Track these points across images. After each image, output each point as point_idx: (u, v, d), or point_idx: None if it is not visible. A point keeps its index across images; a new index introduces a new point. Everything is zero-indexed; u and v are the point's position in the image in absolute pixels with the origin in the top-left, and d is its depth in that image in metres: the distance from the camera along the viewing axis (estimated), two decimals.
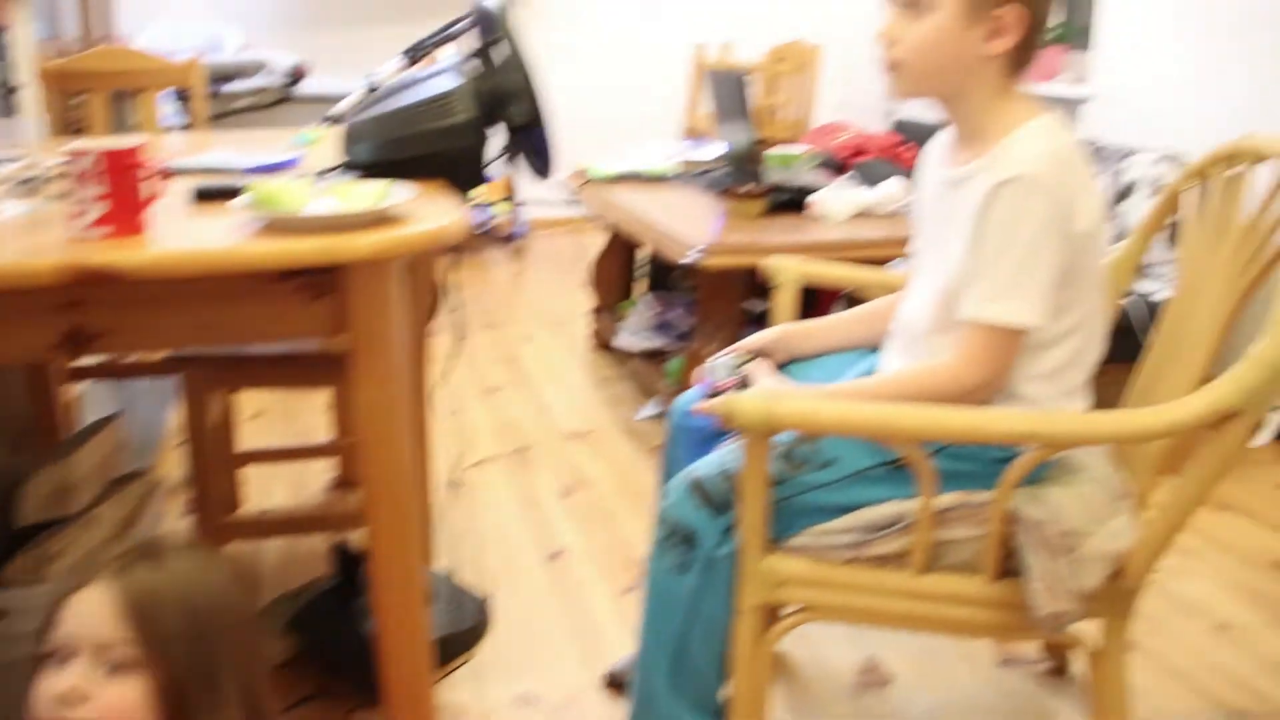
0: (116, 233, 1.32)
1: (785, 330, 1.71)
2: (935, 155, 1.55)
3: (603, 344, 3.83)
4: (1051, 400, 1.42)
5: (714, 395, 1.52)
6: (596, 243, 3.84)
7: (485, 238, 5.53)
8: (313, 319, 1.39)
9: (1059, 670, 1.97)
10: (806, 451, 1.41)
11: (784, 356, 1.68)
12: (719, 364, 1.58)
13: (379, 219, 1.33)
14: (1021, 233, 1.32)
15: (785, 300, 1.87)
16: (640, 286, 3.85)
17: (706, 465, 1.43)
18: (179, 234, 1.37)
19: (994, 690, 1.92)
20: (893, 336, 1.59)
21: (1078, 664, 1.96)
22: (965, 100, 1.43)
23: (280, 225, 1.32)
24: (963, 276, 1.38)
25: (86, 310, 1.33)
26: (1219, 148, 1.54)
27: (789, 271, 1.86)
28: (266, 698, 1.11)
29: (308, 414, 3.25)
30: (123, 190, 1.32)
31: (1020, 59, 1.40)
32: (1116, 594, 1.41)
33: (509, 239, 5.52)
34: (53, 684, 1.01)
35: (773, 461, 1.37)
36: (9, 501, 1.80)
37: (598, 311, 3.84)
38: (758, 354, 1.65)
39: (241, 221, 1.38)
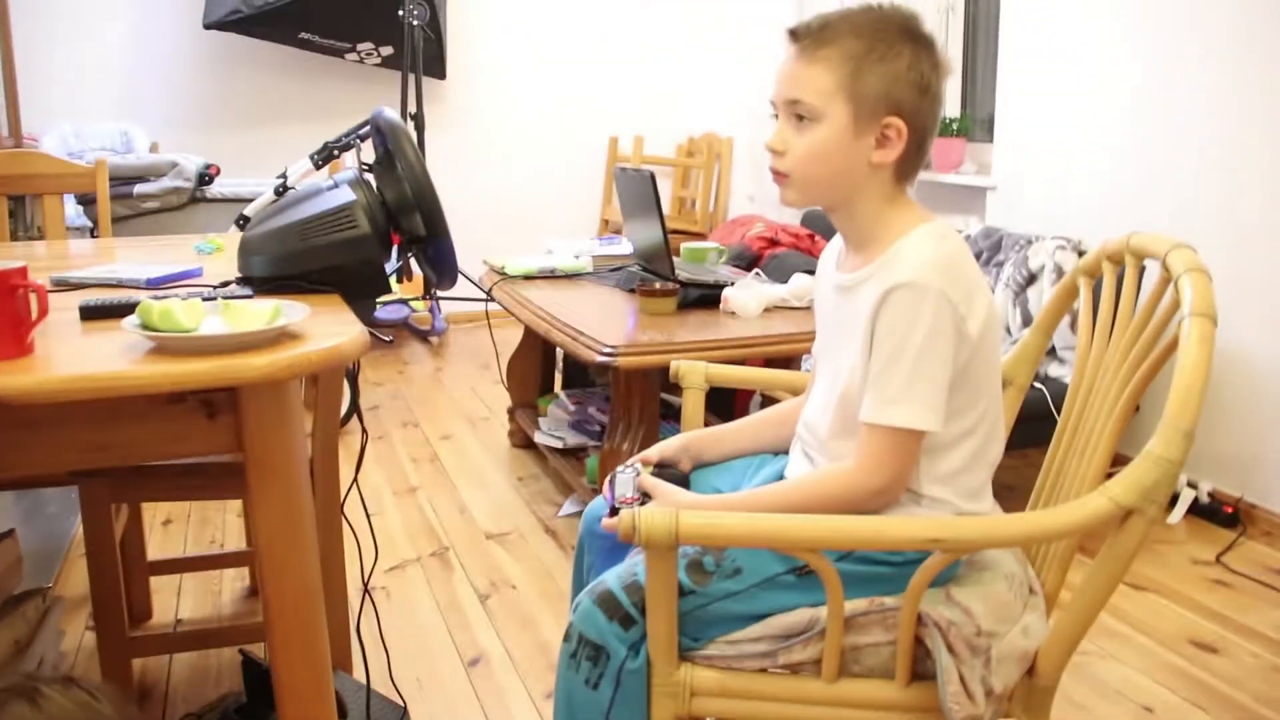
0: (1, 355, 1.28)
1: (691, 437, 1.70)
2: (829, 260, 1.57)
3: (521, 442, 3.80)
4: (954, 502, 1.42)
5: (617, 508, 1.50)
6: (513, 338, 3.83)
7: (403, 333, 5.50)
8: (209, 437, 1.36)
9: None
10: (713, 560, 1.39)
11: (690, 463, 1.67)
12: (622, 476, 1.56)
13: (274, 339, 1.31)
14: (913, 338, 1.33)
15: (694, 402, 1.86)
16: (558, 382, 3.84)
17: (614, 577, 1.41)
18: (67, 355, 1.33)
19: None
20: (797, 440, 1.59)
21: None
22: (854, 208, 1.44)
23: (171, 347, 1.29)
24: (859, 381, 1.39)
25: None
26: (1104, 245, 1.57)
27: (696, 374, 1.86)
28: None
29: (220, 519, 3.18)
30: (6, 313, 1.29)
31: (907, 167, 1.42)
32: (1032, 692, 1.41)
33: (427, 334, 5.49)
34: None
35: (680, 571, 1.35)
36: None
37: (515, 409, 3.81)
38: (661, 463, 1.64)
39: (132, 342, 1.35)
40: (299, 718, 1.51)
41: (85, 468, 1.40)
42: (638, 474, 1.55)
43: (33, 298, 1.32)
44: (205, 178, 4.11)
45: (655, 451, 1.65)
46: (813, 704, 1.38)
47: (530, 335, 3.76)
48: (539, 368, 3.78)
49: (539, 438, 3.42)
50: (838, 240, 1.54)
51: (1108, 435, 1.45)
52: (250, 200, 3.96)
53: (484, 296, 3.55)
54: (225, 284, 1.67)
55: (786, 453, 1.64)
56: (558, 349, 3.80)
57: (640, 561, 1.39)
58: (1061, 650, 1.39)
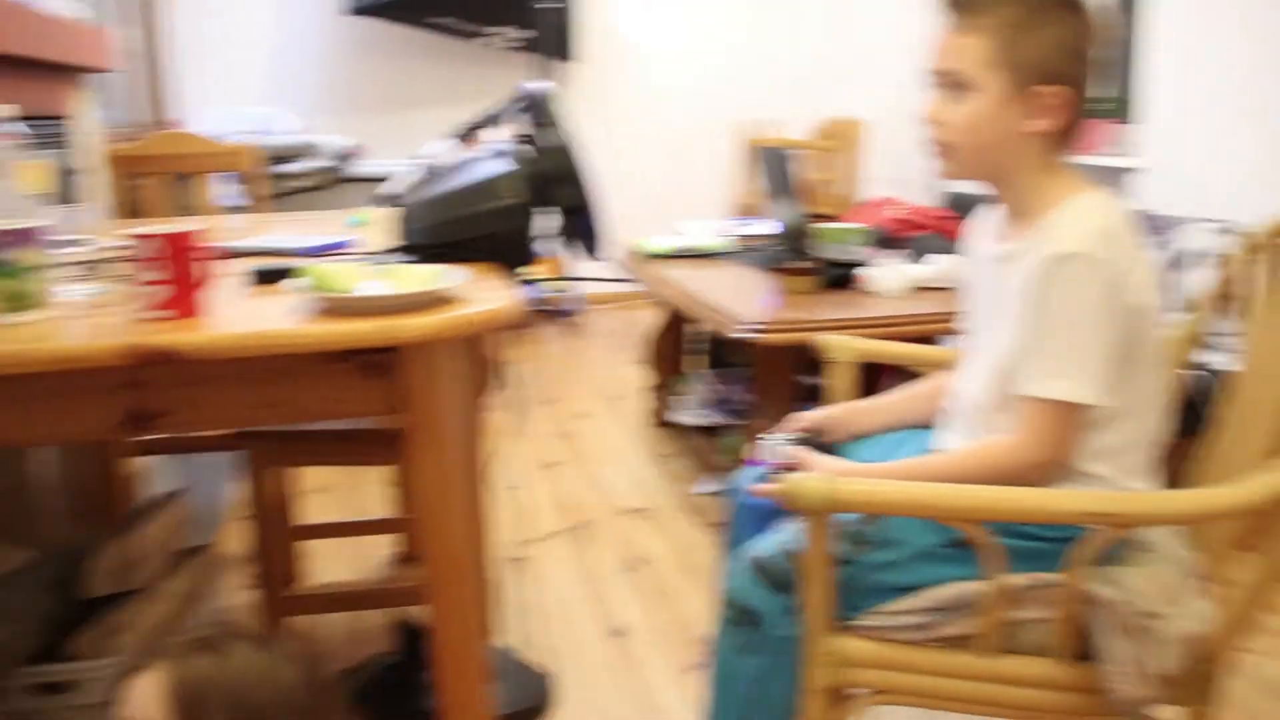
0: (177, 315, 1.33)
1: (840, 408, 1.69)
2: (982, 231, 1.54)
3: (659, 420, 3.82)
4: (1116, 479, 1.38)
5: (769, 475, 1.50)
6: (651, 318, 3.85)
7: (540, 315, 5.57)
8: (370, 398, 1.39)
9: None
10: (870, 531, 1.38)
11: (838, 435, 1.66)
12: (771, 444, 1.56)
13: (433, 300, 1.33)
14: (1076, 309, 1.30)
15: (840, 377, 1.84)
16: (697, 362, 3.84)
17: (768, 545, 1.41)
18: (237, 315, 1.38)
19: None
20: (949, 415, 1.57)
21: None
22: (1012, 179, 1.42)
23: (336, 307, 1.32)
24: (1018, 353, 1.36)
25: (147, 390, 1.34)
26: (1273, 221, 1.51)
27: (843, 349, 1.84)
28: None
29: (370, 489, 3.26)
30: (182, 273, 1.34)
31: (1065, 135, 1.39)
32: (1198, 678, 1.36)
33: (564, 315, 5.54)
34: None
35: (835, 541, 1.34)
36: (77, 575, 1.81)
37: (654, 388, 3.82)
38: (811, 432, 1.63)
39: (297, 303, 1.38)
40: (454, 675, 1.55)
41: (252, 426, 1.45)
42: (787, 442, 1.54)
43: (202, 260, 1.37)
44: (347, 158, 4.22)
45: (804, 420, 1.63)
46: (970, 679, 1.35)
47: (668, 315, 3.77)
48: (677, 347, 3.78)
49: (677, 416, 3.43)
50: (990, 212, 1.51)
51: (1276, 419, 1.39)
52: (388, 179, 4.03)
53: (621, 278, 3.58)
54: (384, 252, 1.70)
55: (930, 429, 1.61)
56: (692, 332, 3.81)
57: (795, 530, 1.38)
58: (1230, 636, 1.34)
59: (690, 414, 3.38)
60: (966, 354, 1.56)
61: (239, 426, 1.67)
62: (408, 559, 2.76)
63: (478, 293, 1.39)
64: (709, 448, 3.23)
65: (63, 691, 1.69)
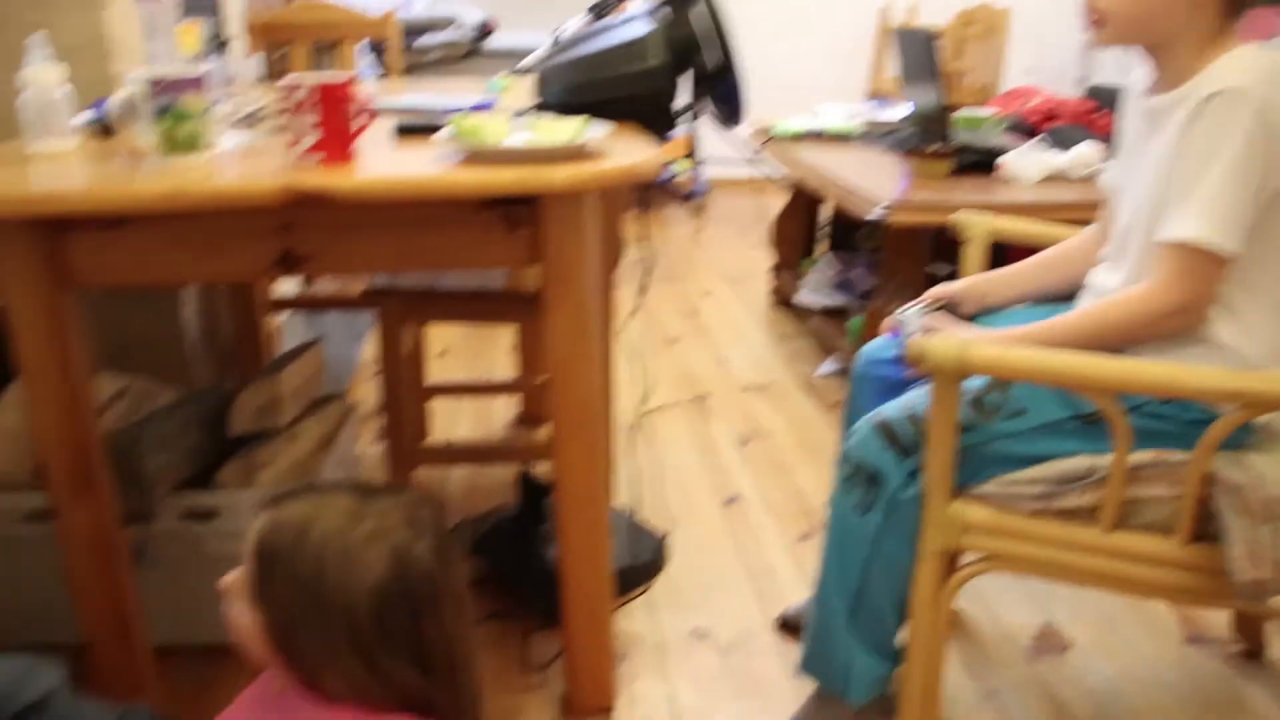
0: (329, 159, 1.38)
1: (974, 280, 1.68)
2: (1138, 89, 1.49)
3: (781, 301, 3.83)
4: (1255, 358, 1.36)
5: (903, 343, 1.51)
6: (775, 203, 3.83)
7: (666, 195, 5.57)
8: (509, 248, 1.44)
9: (1252, 653, 1.88)
10: (996, 399, 1.38)
11: (973, 307, 1.65)
12: (908, 314, 1.56)
13: (576, 153, 1.36)
14: (1223, 149, 1.26)
15: (974, 255, 1.83)
16: (821, 246, 3.83)
17: (894, 407, 1.42)
18: (385, 163, 1.42)
19: (1179, 667, 1.86)
20: (1087, 289, 1.54)
21: (1275, 648, 1.88)
22: (1175, 47, 1.37)
23: (481, 157, 1.36)
24: (1161, 204, 1.33)
25: (297, 234, 1.41)
26: None
27: (979, 226, 1.82)
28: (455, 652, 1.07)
29: (491, 353, 3.35)
30: (335, 120, 1.39)
31: (1234, 3, 1.34)
32: None
33: (689, 197, 5.54)
34: (225, 578, 1.07)
35: (962, 408, 1.35)
36: (223, 413, 1.91)
37: (777, 269, 3.83)
38: (946, 304, 1.63)
39: (443, 153, 1.42)
40: (576, 526, 1.61)
41: (395, 271, 1.50)
42: (923, 312, 1.54)
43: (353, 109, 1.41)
44: (484, 32, 4.23)
45: (939, 292, 1.63)
46: (1086, 552, 1.36)
47: (795, 197, 3.75)
48: (803, 230, 3.77)
49: (801, 297, 3.43)
50: (1145, 73, 1.47)
51: None
52: (525, 54, 4.05)
53: (748, 158, 3.56)
54: (527, 110, 1.73)
55: (1072, 299, 1.59)
56: (821, 212, 3.79)
57: (921, 394, 1.39)
58: None
59: (813, 296, 3.38)
60: (1112, 219, 1.53)
61: (383, 271, 1.74)
62: (527, 420, 2.85)
63: (618, 148, 1.42)
64: (831, 330, 3.23)
65: (208, 518, 1.80)
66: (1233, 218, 1.28)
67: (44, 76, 1.48)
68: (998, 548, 1.40)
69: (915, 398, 1.42)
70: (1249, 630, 1.90)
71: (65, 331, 1.44)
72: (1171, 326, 1.33)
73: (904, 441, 1.39)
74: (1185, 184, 1.30)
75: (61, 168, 1.43)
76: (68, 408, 1.47)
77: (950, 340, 1.26)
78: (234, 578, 1.06)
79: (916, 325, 1.52)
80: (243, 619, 1.06)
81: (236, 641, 1.08)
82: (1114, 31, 1.37)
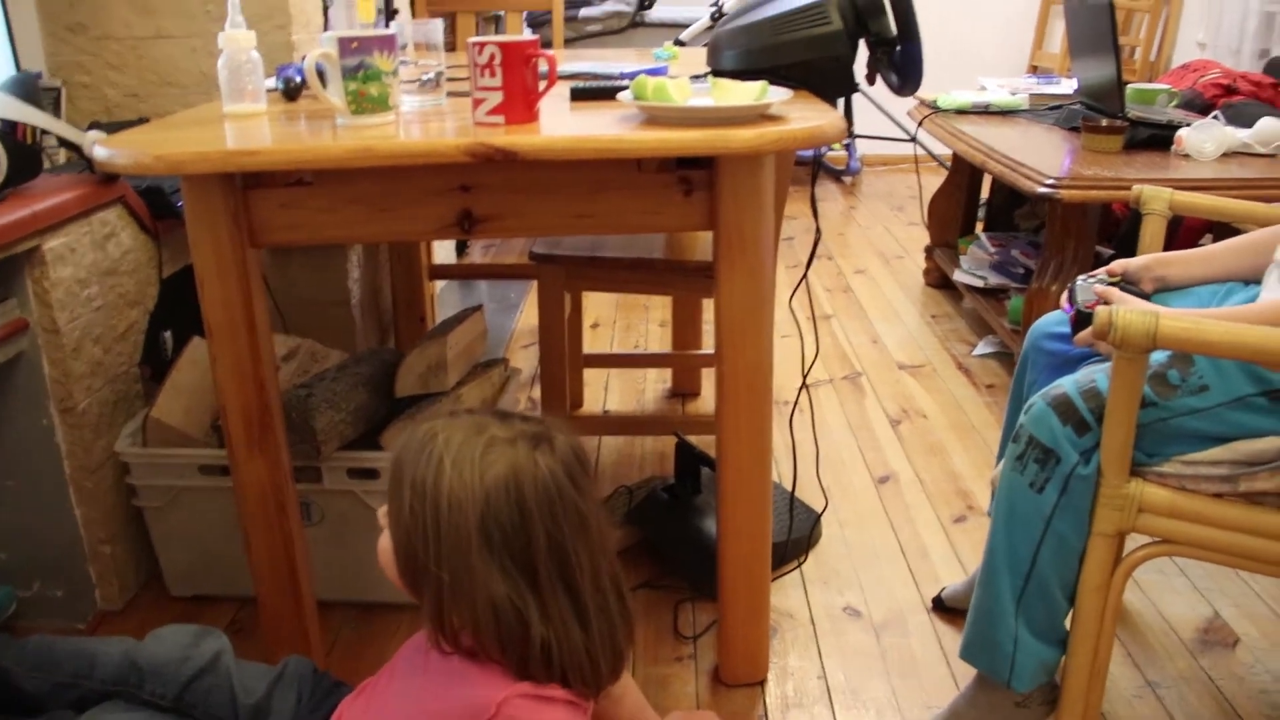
0: (511, 120, 1.40)
1: (1156, 257, 1.62)
2: None
3: (936, 281, 3.77)
4: None
5: (1079, 316, 1.47)
6: (928, 181, 3.76)
7: (820, 172, 5.52)
8: (686, 212, 1.44)
9: None
10: (1179, 375, 1.33)
11: (1152, 284, 1.60)
12: (1083, 285, 1.52)
13: (758, 115, 1.36)
14: None
15: (1153, 230, 1.77)
16: (979, 225, 3.75)
17: (1071, 382, 1.38)
18: (566, 124, 1.44)
19: None
20: (1274, 267, 1.48)
21: None
22: None
23: (662, 118, 1.36)
24: None
25: (477, 195, 1.44)
26: None
27: (1159, 199, 1.76)
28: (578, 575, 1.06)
29: (642, 327, 3.37)
30: (518, 81, 1.41)
31: None
32: None
33: (842, 175, 5.48)
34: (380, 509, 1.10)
35: (1143, 383, 1.31)
36: (389, 376, 1.96)
37: (932, 248, 3.76)
38: (1123, 278, 1.58)
39: (624, 115, 1.43)
40: (737, 497, 1.61)
41: (574, 234, 1.51)
42: (1101, 285, 1.50)
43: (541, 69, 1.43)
44: (645, 3, 4.24)
45: (1118, 266, 1.58)
46: (1271, 538, 1.31)
47: (954, 174, 3.68)
48: (961, 208, 3.70)
49: (958, 276, 3.37)
50: None
51: None
52: (687, 25, 4.06)
53: (905, 137, 3.50)
54: (702, 75, 1.73)
55: (1258, 282, 1.53)
56: (981, 191, 3.71)
57: (1100, 369, 1.36)
58: None
59: (969, 275, 3.32)
60: None
61: (559, 234, 1.74)
62: (678, 394, 2.86)
63: (800, 111, 1.41)
64: (987, 310, 3.16)
65: (373, 477, 1.85)
66: None
67: (239, 40, 1.53)
68: (1175, 531, 1.35)
69: (1094, 372, 1.38)
70: None
71: (249, 290, 1.49)
72: None
73: (1081, 417, 1.35)
74: None
75: (254, 127, 1.48)
76: (249, 365, 1.52)
77: (1141, 312, 1.22)
78: (384, 508, 1.09)
79: (1093, 296, 1.48)
80: (384, 544, 1.09)
81: (385, 574, 1.10)
82: None
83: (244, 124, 1.51)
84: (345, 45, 1.39)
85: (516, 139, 1.31)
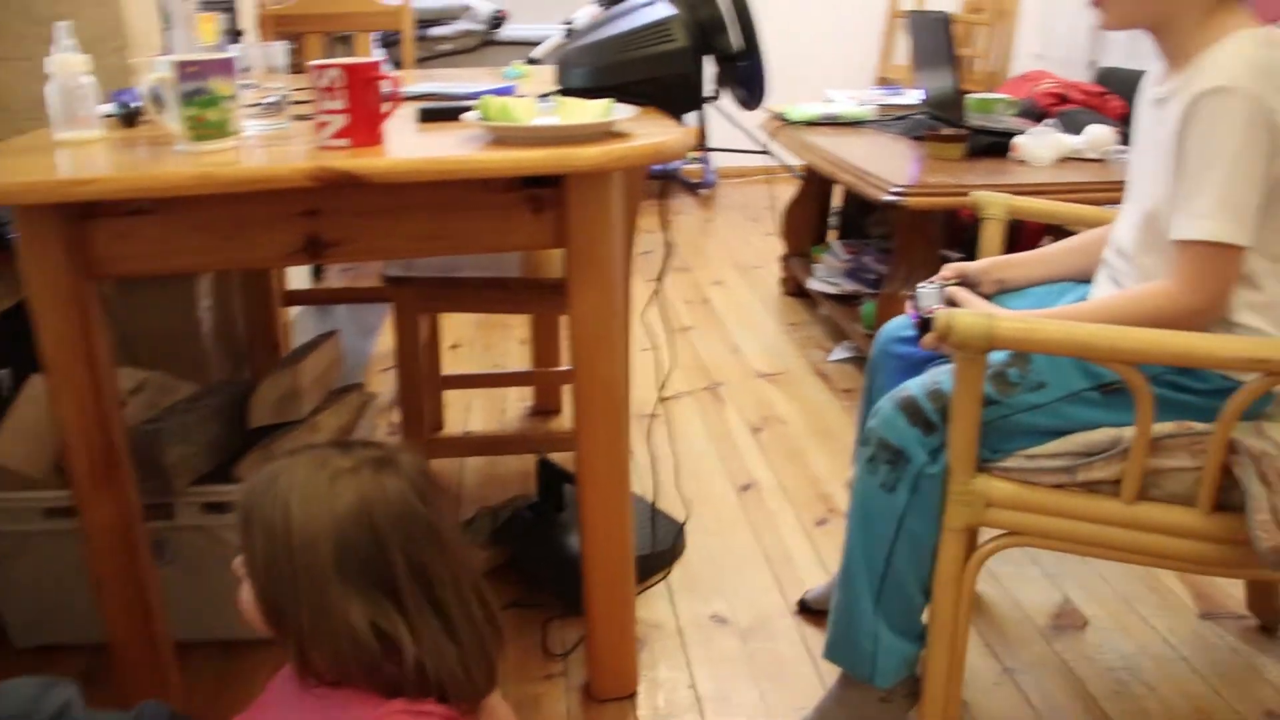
0: (356, 143, 1.39)
1: (993, 261, 1.68)
2: (1149, 77, 1.50)
3: (792, 290, 3.84)
4: (1272, 333, 1.36)
5: (922, 321, 1.51)
6: (782, 192, 3.84)
7: (674, 185, 5.58)
8: (535, 231, 1.45)
9: (1267, 628, 1.90)
10: (1018, 373, 1.39)
11: (991, 287, 1.66)
12: (926, 290, 1.57)
13: (603, 133, 1.37)
14: (1224, 146, 1.27)
15: (992, 234, 1.84)
16: (831, 234, 3.84)
17: (916, 384, 1.43)
18: (413, 146, 1.43)
19: (1194, 643, 1.87)
20: (1104, 266, 1.55)
21: None
22: (1175, 23, 1.37)
23: (509, 138, 1.37)
24: (1168, 196, 1.34)
25: (323, 219, 1.42)
26: None
27: (997, 205, 1.83)
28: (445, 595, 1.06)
29: (502, 345, 3.36)
30: (363, 103, 1.39)
31: None
32: None
33: (697, 187, 5.55)
34: (235, 560, 1.08)
35: (984, 383, 1.36)
36: (242, 406, 1.92)
37: (787, 257, 3.84)
38: (962, 282, 1.64)
39: (470, 135, 1.43)
40: (599, 513, 1.62)
41: (420, 256, 1.51)
42: (942, 289, 1.55)
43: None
44: (496, 21, 4.24)
45: (957, 269, 1.64)
46: (1109, 524, 1.37)
47: (806, 185, 3.77)
48: (814, 218, 3.78)
49: (813, 284, 3.44)
50: (1156, 62, 1.48)
51: None
52: (538, 43, 4.07)
53: (757, 149, 3.56)
54: (550, 94, 1.74)
55: (1087, 282, 1.60)
56: (833, 200, 3.80)
57: (943, 370, 1.40)
58: None
59: (824, 283, 3.39)
60: (1124, 203, 1.54)
61: (408, 257, 1.74)
62: (541, 412, 2.86)
63: (644, 128, 1.43)
64: (843, 316, 3.24)
65: (226, 511, 1.80)
66: (1244, 210, 1.29)
67: (70, 65, 1.49)
68: (1021, 523, 1.41)
69: (937, 374, 1.42)
70: (1263, 605, 1.92)
71: (88, 322, 1.43)
72: (1192, 325, 1.33)
73: (927, 418, 1.39)
74: (1193, 183, 1.30)
75: (88, 155, 1.44)
76: (90, 400, 1.46)
77: (978, 314, 1.26)
78: (239, 559, 1.07)
79: (936, 300, 1.53)
80: (245, 595, 1.07)
81: (250, 624, 1.08)
82: (1115, 13, 1.39)
83: (78, 151, 1.47)
84: (183, 69, 1.36)
85: (361, 162, 1.29)
